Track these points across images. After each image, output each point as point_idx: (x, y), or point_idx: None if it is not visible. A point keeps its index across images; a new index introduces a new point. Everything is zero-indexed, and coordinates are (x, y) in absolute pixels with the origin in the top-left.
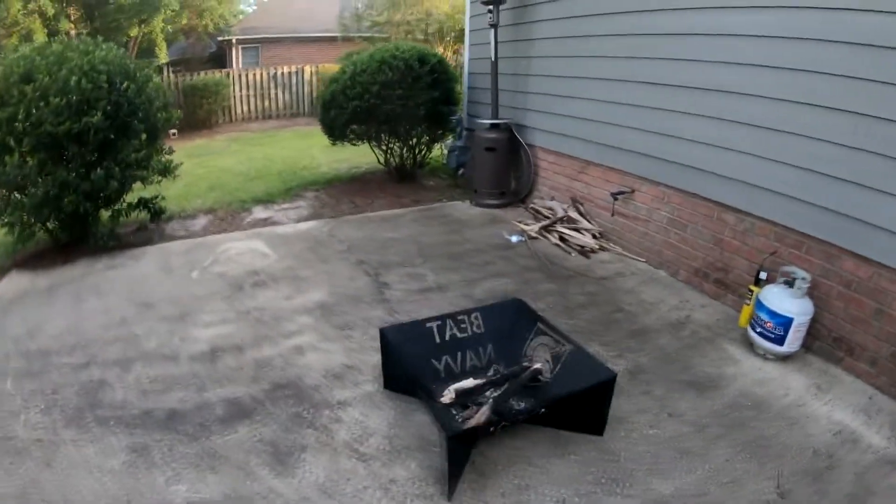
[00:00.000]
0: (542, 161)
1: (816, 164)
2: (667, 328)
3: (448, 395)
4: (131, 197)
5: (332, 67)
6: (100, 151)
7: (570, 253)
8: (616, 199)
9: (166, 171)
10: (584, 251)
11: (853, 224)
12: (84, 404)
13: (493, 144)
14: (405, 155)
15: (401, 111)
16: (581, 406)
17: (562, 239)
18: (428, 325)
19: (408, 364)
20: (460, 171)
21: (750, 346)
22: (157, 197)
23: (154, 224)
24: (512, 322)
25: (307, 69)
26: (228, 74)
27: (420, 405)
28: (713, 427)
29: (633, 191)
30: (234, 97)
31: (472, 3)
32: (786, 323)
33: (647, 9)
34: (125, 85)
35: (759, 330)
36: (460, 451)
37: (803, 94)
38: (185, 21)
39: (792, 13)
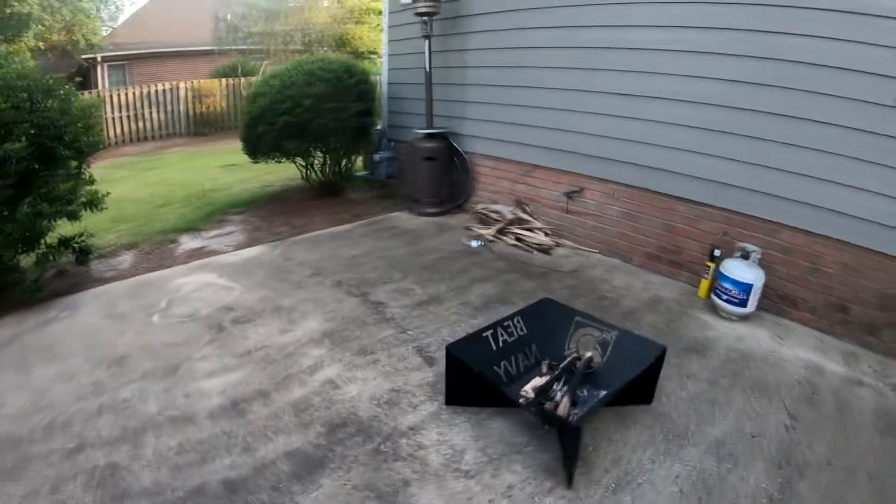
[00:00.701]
0: (481, 167)
1: (756, 158)
2: (646, 307)
3: (526, 396)
4: (50, 236)
5: (209, 83)
6: (20, 184)
7: (530, 252)
8: (570, 198)
9: (93, 203)
10: (542, 249)
11: (790, 204)
12: (105, 499)
13: (432, 154)
14: (332, 169)
15: (333, 125)
16: (641, 381)
17: (518, 239)
18: (484, 334)
19: (481, 374)
20: (382, 183)
21: (715, 311)
22: (82, 235)
23: (80, 266)
24: (549, 320)
25: (182, 86)
26: (99, 94)
27: (491, 413)
28: (722, 380)
29: (582, 189)
30: (106, 119)
31: (391, 13)
32: (747, 289)
33: (585, 25)
34: (48, 103)
35: (724, 297)
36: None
37: (735, 100)
38: (55, 37)
39: (703, 33)
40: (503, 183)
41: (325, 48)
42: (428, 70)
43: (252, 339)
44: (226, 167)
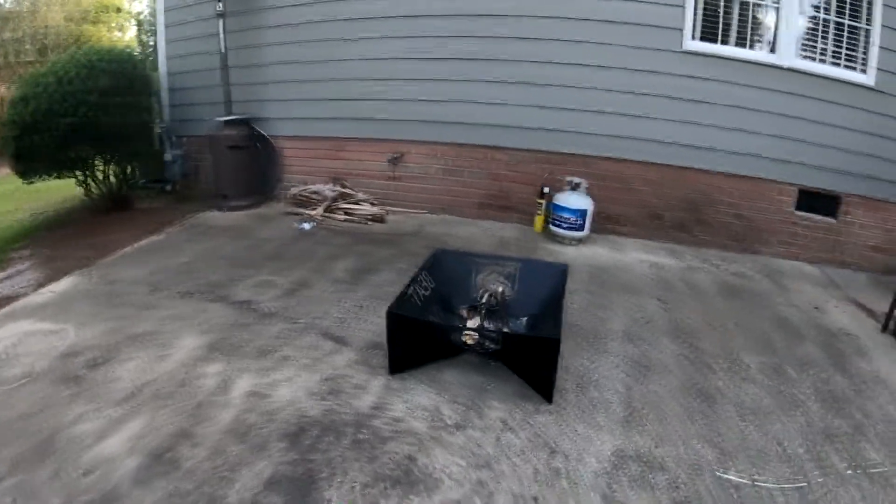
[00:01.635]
0: (290, 150)
1: (565, 103)
2: (499, 248)
3: (471, 337)
4: None
5: None
6: None
7: (365, 223)
8: (394, 164)
9: None
10: (375, 219)
11: (600, 138)
12: None
13: (236, 142)
14: (121, 178)
15: (120, 124)
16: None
17: (348, 214)
18: (407, 293)
19: (433, 323)
20: (167, 186)
21: (556, 240)
22: None
23: None
24: (449, 269)
25: None
26: None
27: (435, 368)
28: (596, 289)
29: (402, 154)
30: None
31: None
32: (582, 214)
33: None
34: None
35: (564, 226)
36: None
37: (530, 55)
38: None
39: None
40: (317, 162)
41: (60, 49)
42: (223, 52)
43: (125, 378)
44: None
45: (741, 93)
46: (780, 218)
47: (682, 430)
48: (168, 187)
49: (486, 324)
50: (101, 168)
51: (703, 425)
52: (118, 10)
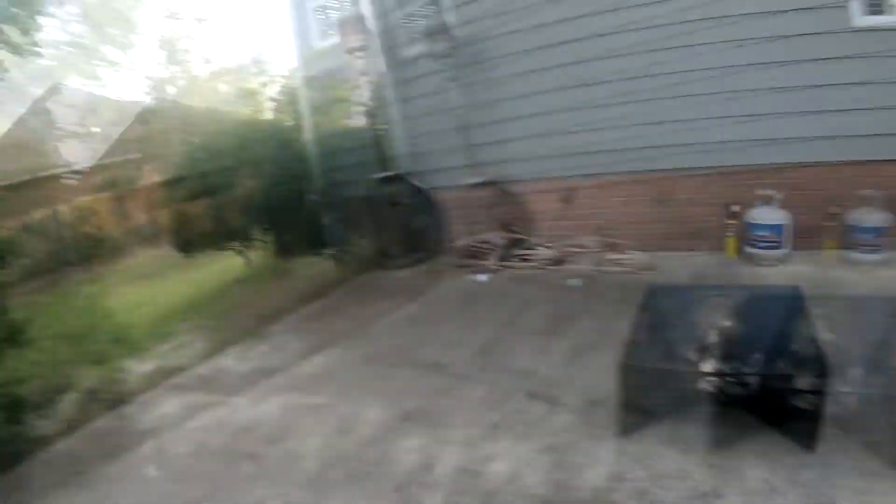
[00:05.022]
0: (449, 200)
1: (754, 108)
2: (693, 281)
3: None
4: None
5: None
6: None
7: (544, 269)
8: (567, 202)
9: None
10: (555, 262)
11: (790, 143)
12: None
13: (396, 198)
14: (280, 246)
15: (275, 192)
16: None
17: (525, 260)
18: (634, 339)
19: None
20: (329, 251)
21: (752, 262)
22: None
23: None
24: (666, 307)
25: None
26: None
27: (671, 422)
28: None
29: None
30: None
31: None
32: (779, 230)
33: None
34: None
35: (761, 245)
36: None
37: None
38: None
39: None
40: (481, 210)
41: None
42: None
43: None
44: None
45: None
46: None
47: None
48: (330, 252)
49: (721, 366)
50: (261, 238)
51: None
52: (254, 93)
